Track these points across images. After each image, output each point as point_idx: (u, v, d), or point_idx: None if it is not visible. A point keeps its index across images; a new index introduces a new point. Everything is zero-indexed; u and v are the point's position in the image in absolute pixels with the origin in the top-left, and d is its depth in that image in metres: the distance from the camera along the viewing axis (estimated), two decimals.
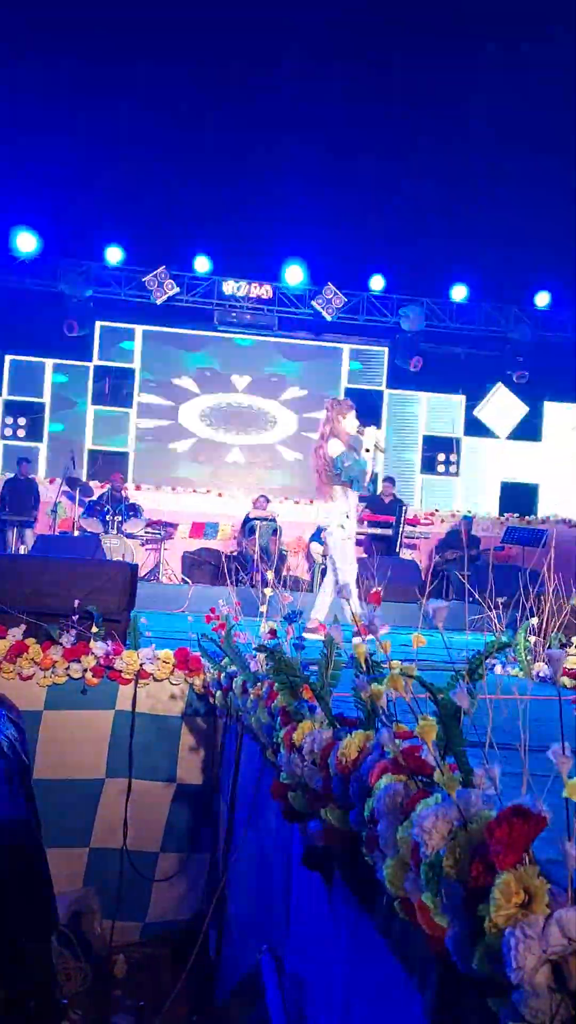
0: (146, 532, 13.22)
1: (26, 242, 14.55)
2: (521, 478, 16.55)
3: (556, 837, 1.07)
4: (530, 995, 0.99)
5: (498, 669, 4.32)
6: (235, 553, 12.92)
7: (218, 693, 4.27)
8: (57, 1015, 3.23)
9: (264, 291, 15.64)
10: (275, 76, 13.17)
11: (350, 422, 6.91)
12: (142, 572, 11.50)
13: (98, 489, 13.85)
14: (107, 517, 12.72)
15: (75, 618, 4.96)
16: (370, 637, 1.86)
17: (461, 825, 1.22)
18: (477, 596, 3.97)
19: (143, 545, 13.32)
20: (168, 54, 13.11)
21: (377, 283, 15.69)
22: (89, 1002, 4.07)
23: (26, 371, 15.51)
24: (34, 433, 15.44)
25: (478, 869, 1.13)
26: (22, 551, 12.14)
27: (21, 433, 15.36)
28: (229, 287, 15.57)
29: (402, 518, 13.71)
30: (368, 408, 16.23)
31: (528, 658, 4.20)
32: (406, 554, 14.01)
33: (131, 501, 13.48)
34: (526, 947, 1.00)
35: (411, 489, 16.09)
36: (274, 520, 13.32)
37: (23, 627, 4.92)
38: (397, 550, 13.50)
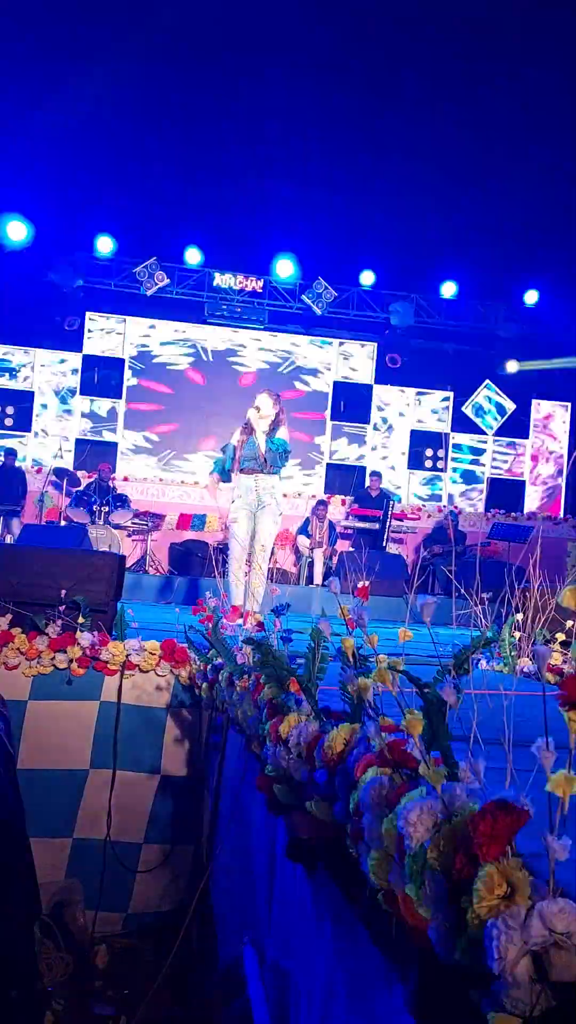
0: (133, 523, 13.22)
1: (16, 231, 14.49)
2: (508, 474, 16.59)
3: (539, 831, 1.09)
4: (511, 986, 1.01)
5: (483, 664, 4.34)
6: (222, 545, 12.93)
7: (204, 685, 4.28)
8: (40, 1004, 3.24)
9: (255, 284, 15.64)
10: (268, 71, 13.14)
11: (251, 409, 7.20)
12: (129, 563, 11.49)
13: (85, 479, 13.83)
14: (94, 507, 12.71)
15: (61, 608, 4.96)
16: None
17: (445, 818, 1.23)
18: (463, 591, 3.99)
19: (130, 536, 13.33)
20: (161, 47, 13.06)
21: (367, 278, 15.71)
22: (70, 992, 4.08)
23: (14, 360, 15.47)
24: (22, 422, 15.40)
25: (461, 861, 1.14)
26: (8, 540, 12.12)
27: (9, 422, 15.33)
28: (220, 280, 15.55)
29: (389, 512, 13.74)
30: (356, 402, 16.28)
31: (513, 654, 4.22)
32: (392, 548, 14.05)
33: (118, 492, 13.47)
34: (508, 938, 1.01)
35: (398, 484, 16.12)
36: None
37: (9, 617, 4.91)
38: (384, 544, 13.54)
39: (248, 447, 7.02)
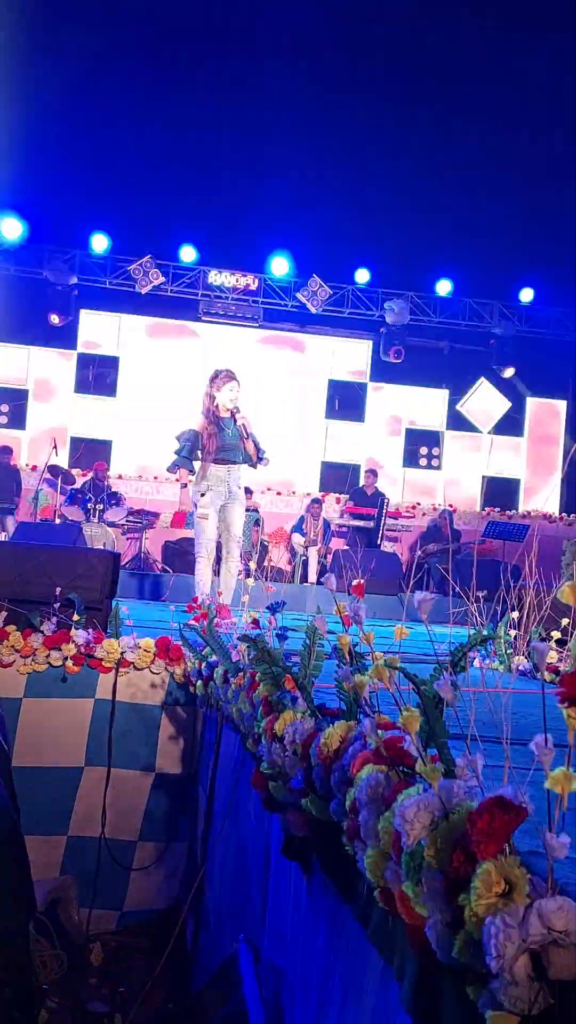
0: (128, 521, 13.19)
1: (11, 228, 14.47)
2: (503, 473, 16.60)
3: (537, 829, 1.08)
4: (509, 984, 1.00)
5: (478, 662, 4.33)
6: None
7: (199, 683, 4.28)
8: (34, 1002, 3.23)
9: (250, 282, 15.62)
10: (263, 68, 13.12)
11: (226, 394, 6.95)
12: (124, 561, 11.48)
13: (80, 477, 13.81)
14: (89, 505, 12.68)
15: (56, 606, 4.95)
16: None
17: (443, 815, 1.22)
18: (459, 589, 3.98)
19: (125, 534, 13.29)
20: (156, 45, 13.04)
21: (362, 276, 15.70)
22: (65, 990, 4.08)
23: (9, 358, 15.44)
24: (17, 420, 15.38)
25: (459, 859, 1.14)
26: (2, 538, 12.09)
27: (3, 420, 15.31)
28: (214, 278, 15.54)
29: (384, 511, 13.73)
30: (351, 401, 16.28)
31: (508, 652, 4.22)
32: (387, 547, 14.04)
33: (113, 490, 13.44)
34: (506, 936, 1.01)
35: (394, 482, 16.11)
36: (256, 511, 13.32)
37: (3, 614, 4.90)
38: (379, 543, 13.53)
39: (225, 437, 6.85)
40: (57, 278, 14.96)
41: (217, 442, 6.82)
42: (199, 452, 6.92)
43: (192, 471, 6.96)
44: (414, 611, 1.59)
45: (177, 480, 6.99)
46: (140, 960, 4.50)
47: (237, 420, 6.88)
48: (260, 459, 6.90)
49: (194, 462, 6.93)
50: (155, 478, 15.29)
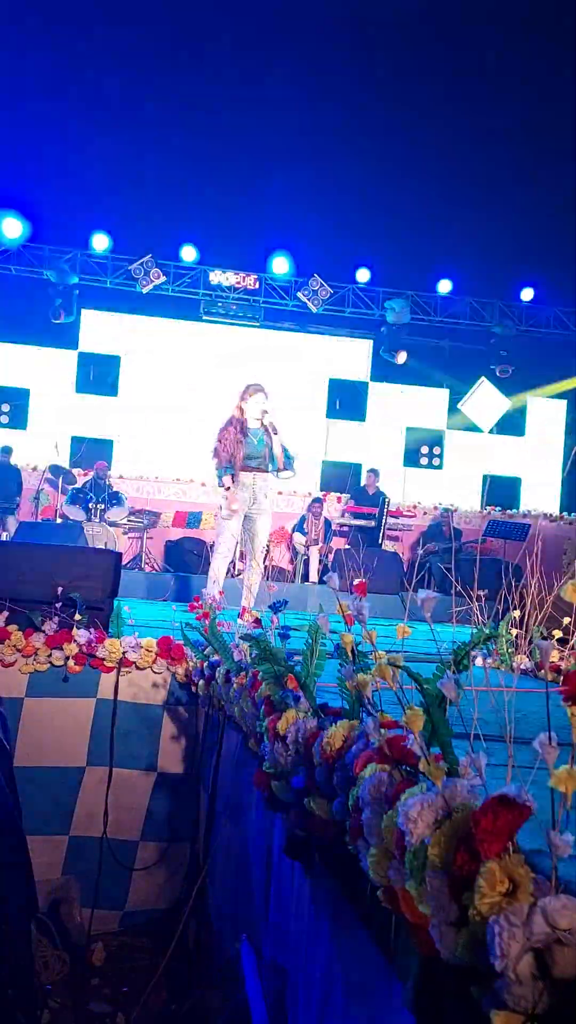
0: (129, 520, 13.19)
1: (12, 228, 14.47)
2: (504, 472, 16.58)
3: (541, 828, 1.08)
4: (513, 983, 1.00)
5: (479, 661, 4.33)
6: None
7: (200, 682, 4.28)
8: (37, 1002, 3.23)
9: (250, 282, 15.63)
10: (266, 69, 13.12)
11: (252, 406, 7.06)
12: (125, 560, 11.47)
13: (82, 477, 13.81)
14: (90, 505, 12.68)
15: (58, 605, 4.95)
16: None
17: (446, 814, 1.22)
18: (461, 588, 3.98)
19: (126, 533, 13.29)
20: (158, 44, 13.04)
21: (363, 275, 15.70)
22: (67, 990, 4.08)
23: (10, 357, 15.44)
24: (18, 420, 15.37)
25: (463, 858, 1.13)
26: (4, 538, 12.09)
27: (4, 420, 15.30)
28: (215, 277, 15.54)
29: (385, 510, 13.73)
30: (352, 400, 16.28)
31: (510, 651, 4.22)
32: (388, 546, 14.03)
33: (114, 489, 13.44)
34: (510, 935, 1.01)
35: (394, 481, 16.10)
36: None
37: (5, 614, 4.90)
38: (380, 542, 13.53)
39: (252, 446, 6.99)
40: (59, 278, 14.96)
41: (243, 450, 7.00)
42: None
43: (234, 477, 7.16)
44: (415, 610, 1.59)
45: (225, 487, 7.11)
46: (142, 960, 4.49)
47: (267, 427, 7.04)
48: (286, 467, 7.06)
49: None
50: (156, 478, 15.29)
